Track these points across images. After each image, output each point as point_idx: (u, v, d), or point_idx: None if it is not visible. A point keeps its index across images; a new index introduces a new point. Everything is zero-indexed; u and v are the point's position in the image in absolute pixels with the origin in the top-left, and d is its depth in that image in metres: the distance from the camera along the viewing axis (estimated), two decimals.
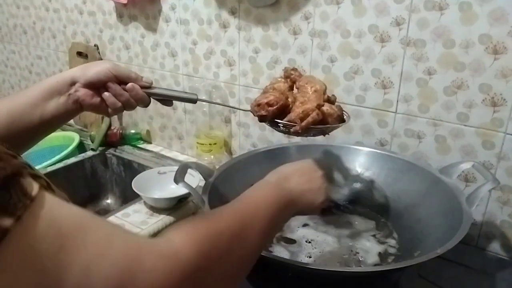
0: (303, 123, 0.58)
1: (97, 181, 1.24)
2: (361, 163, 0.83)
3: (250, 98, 1.00)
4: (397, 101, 0.80)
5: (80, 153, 1.25)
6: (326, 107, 0.61)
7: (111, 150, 1.24)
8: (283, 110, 0.61)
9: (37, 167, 0.33)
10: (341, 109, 0.65)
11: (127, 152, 1.23)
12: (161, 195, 0.91)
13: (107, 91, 0.61)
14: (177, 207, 0.90)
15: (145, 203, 0.92)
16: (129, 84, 0.61)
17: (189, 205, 0.91)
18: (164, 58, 1.14)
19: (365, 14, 0.78)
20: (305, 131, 0.59)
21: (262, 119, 0.61)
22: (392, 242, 0.72)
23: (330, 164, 0.62)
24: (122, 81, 0.62)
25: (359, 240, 0.73)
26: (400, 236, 0.73)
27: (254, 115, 0.61)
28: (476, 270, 0.72)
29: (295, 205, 0.53)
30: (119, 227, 0.33)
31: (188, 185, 0.67)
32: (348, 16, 0.80)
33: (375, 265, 0.67)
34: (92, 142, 1.25)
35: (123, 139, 1.27)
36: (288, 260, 0.63)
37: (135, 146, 1.27)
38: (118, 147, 1.26)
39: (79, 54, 1.32)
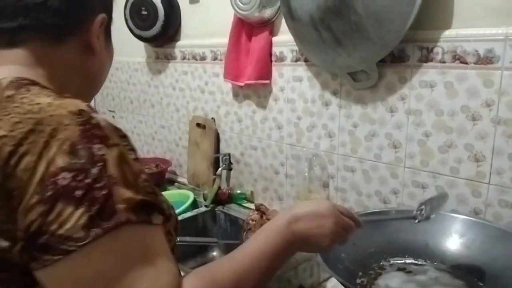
0: None
1: (206, 234, 1.42)
2: (457, 229, 0.90)
3: (349, 165, 1.13)
4: (490, 173, 0.88)
5: (193, 209, 1.44)
6: None
7: (220, 207, 1.43)
8: None
9: None
10: None
11: (233, 209, 1.41)
12: None
13: None
14: None
15: None
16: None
17: (295, 258, 1.03)
18: (271, 130, 1.33)
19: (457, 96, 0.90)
20: None
21: None
22: None
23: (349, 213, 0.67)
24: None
25: None
26: None
27: None
28: None
29: (296, 247, 0.60)
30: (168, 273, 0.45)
31: None
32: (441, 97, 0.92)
33: None
34: (205, 199, 1.45)
35: (231, 198, 1.45)
36: None
37: (240, 204, 1.44)
38: (226, 205, 1.44)
39: (198, 125, 1.57)
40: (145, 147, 1.95)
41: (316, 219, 0.61)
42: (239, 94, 1.41)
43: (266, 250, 0.57)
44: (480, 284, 0.82)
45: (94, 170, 0.41)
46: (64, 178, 0.40)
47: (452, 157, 0.93)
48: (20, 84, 0.47)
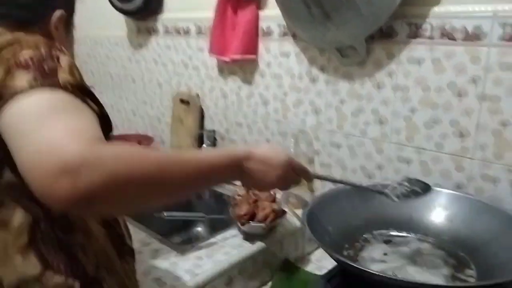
0: (267, 222, 0.99)
1: (191, 211, 1.40)
2: (440, 203, 0.92)
3: (335, 141, 1.14)
4: (474, 148, 0.90)
5: None
6: (274, 207, 1.02)
7: None
8: (253, 214, 1.01)
9: None
10: (280, 203, 1.06)
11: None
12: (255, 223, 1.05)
13: None
14: (268, 235, 1.03)
15: (239, 229, 1.06)
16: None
17: (280, 232, 1.04)
18: (257, 106, 1.32)
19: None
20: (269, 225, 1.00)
21: (242, 224, 0.99)
22: (470, 272, 0.80)
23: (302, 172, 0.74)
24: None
25: (438, 268, 0.82)
26: (477, 268, 0.80)
27: (239, 225, 1.00)
28: None
29: (237, 176, 0.65)
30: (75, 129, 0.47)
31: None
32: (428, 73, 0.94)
33: None
34: None
35: None
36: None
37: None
38: None
39: (181, 101, 1.55)
40: (126, 123, 1.91)
41: (265, 165, 0.67)
42: (225, 69, 1.39)
43: (208, 157, 0.58)
44: (462, 254, 0.85)
45: (48, 60, 0.53)
46: (24, 57, 0.52)
47: (437, 133, 0.95)
48: None
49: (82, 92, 0.52)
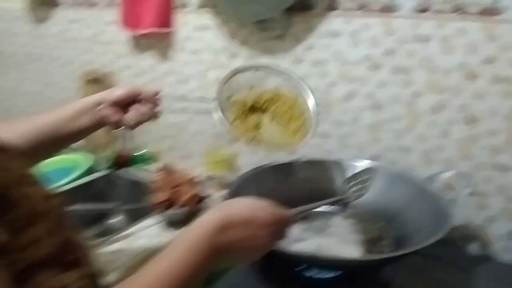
0: (189, 207, 0.97)
1: (106, 201, 1.30)
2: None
3: None
4: (389, 120, 0.93)
5: (89, 174, 1.31)
6: (196, 191, 1.00)
7: (120, 171, 1.32)
8: (174, 200, 0.97)
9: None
10: (202, 187, 1.06)
11: (136, 172, 1.31)
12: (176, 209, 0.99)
13: (128, 109, 0.72)
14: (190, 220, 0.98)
15: (159, 217, 1.00)
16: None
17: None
18: (176, 84, 1.25)
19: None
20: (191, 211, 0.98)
21: (162, 211, 0.96)
22: (386, 242, 0.82)
23: (292, 216, 0.60)
24: (137, 95, 0.72)
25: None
26: (393, 237, 0.83)
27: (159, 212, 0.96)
28: (457, 267, 0.82)
29: (222, 259, 0.51)
30: None
31: None
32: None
33: None
34: (103, 163, 1.33)
35: (132, 160, 1.35)
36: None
37: (143, 167, 1.35)
38: (127, 168, 1.33)
39: (92, 81, 1.42)
40: (31, 107, 1.73)
41: (251, 228, 0.52)
42: (139, 44, 1.30)
43: (193, 261, 0.48)
44: (378, 225, 0.86)
45: None
46: None
47: (353, 106, 0.96)
48: None
49: None
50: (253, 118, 0.80)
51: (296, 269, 0.77)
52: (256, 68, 0.81)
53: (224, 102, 0.77)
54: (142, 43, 1.29)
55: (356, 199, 0.85)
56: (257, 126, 0.81)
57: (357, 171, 0.91)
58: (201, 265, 0.48)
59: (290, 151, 0.96)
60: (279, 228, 0.56)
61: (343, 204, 0.86)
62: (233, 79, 0.79)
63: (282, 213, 0.57)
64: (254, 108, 0.81)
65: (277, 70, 0.82)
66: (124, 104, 0.71)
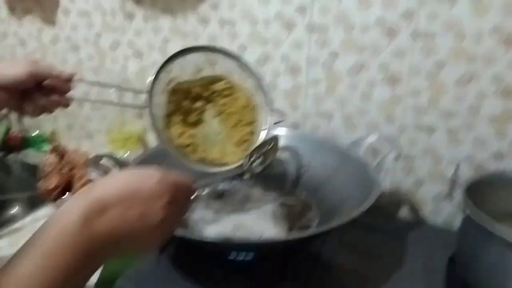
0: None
1: None
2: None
3: None
4: (305, 85, 0.84)
5: None
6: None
7: (12, 155, 1.15)
8: (68, 185, 0.88)
9: None
10: None
11: (30, 155, 1.15)
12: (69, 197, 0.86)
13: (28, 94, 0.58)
14: None
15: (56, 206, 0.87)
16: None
17: None
18: (65, 53, 1.07)
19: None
20: None
21: (54, 199, 0.87)
22: (312, 214, 0.76)
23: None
24: (43, 79, 0.59)
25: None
26: (318, 209, 0.78)
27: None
28: (388, 234, 0.80)
29: (106, 252, 0.37)
30: None
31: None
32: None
33: None
34: None
35: (26, 142, 1.17)
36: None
37: (39, 149, 1.18)
38: (20, 151, 1.16)
39: None
40: None
41: (135, 205, 0.38)
42: (17, 7, 1.08)
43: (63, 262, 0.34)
44: (302, 197, 0.81)
45: None
46: None
47: (270, 69, 0.86)
48: None
49: None
50: (194, 111, 0.70)
51: (213, 255, 0.69)
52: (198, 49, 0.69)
53: (159, 93, 0.66)
54: (20, 6, 1.07)
55: (260, 171, 0.74)
56: (196, 123, 0.70)
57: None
58: (74, 268, 0.34)
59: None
60: (176, 198, 0.41)
61: (249, 176, 0.75)
62: (174, 63, 0.68)
63: (176, 179, 0.42)
64: (197, 97, 0.70)
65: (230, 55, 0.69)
66: (25, 89, 0.57)
